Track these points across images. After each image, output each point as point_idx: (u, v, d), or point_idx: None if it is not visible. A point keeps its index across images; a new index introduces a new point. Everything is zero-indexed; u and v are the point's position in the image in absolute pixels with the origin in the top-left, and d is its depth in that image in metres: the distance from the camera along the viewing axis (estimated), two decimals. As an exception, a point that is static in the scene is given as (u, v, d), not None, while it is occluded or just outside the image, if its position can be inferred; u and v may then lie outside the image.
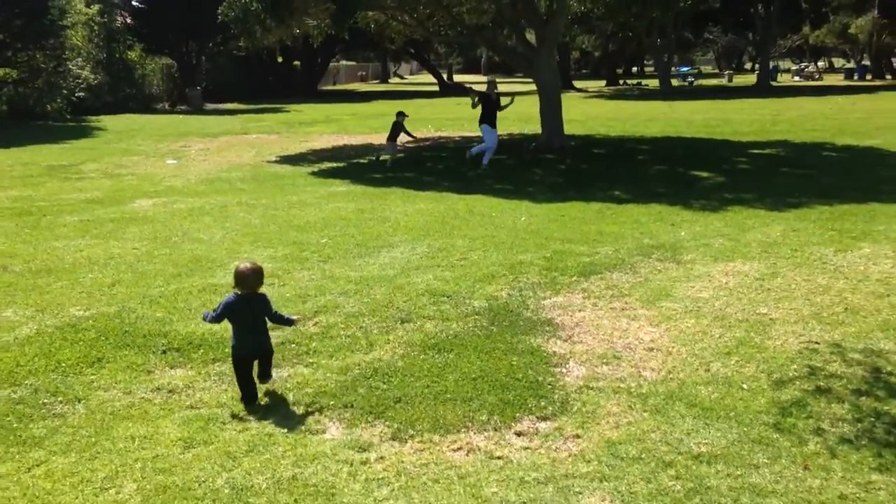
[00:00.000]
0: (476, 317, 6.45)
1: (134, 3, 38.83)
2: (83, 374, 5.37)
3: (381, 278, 7.62)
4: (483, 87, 16.61)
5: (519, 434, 4.44)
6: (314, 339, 6.02)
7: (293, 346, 5.89)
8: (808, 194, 11.48)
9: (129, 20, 37.56)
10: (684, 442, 4.27)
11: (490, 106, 15.77)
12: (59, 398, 4.99)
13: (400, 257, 8.41)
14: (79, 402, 4.96)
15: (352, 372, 5.36)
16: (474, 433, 4.46)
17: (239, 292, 4.91)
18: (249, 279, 4.88)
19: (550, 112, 18.55)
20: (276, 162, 17.03)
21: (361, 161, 17.12)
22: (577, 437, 4.38)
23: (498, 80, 19.30)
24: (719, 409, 4.64)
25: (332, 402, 4.88)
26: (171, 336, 6.10)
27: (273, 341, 5.87)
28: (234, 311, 4.86)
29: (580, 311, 6.57)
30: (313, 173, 15.18)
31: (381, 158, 16.48)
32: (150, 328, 6.28)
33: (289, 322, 5.18)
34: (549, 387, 5.03)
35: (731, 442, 4.26)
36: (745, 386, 4.96)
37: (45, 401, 4.96)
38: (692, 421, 4.50)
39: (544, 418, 4.62)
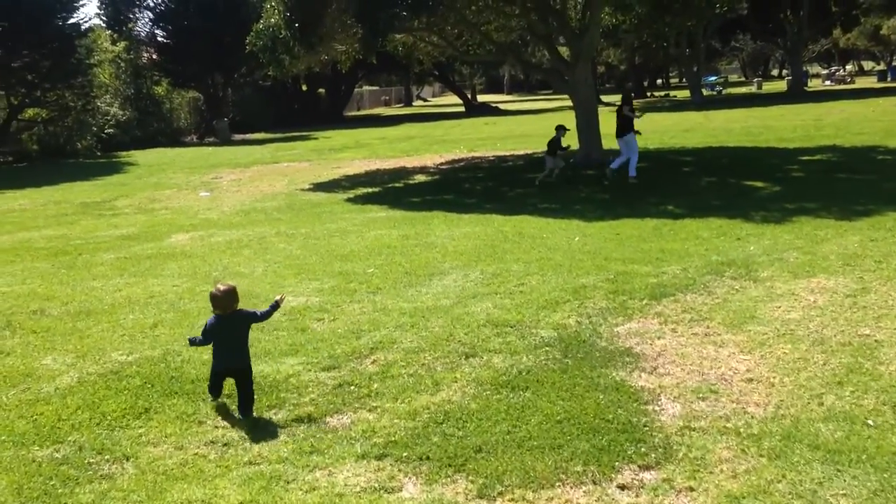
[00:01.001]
0: (546, 348, 5.94)
1: (159, 38, 39.08)
2: (130, 428, 4.93)
3: (437, 309, 7.14)
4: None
5: (622, 487, 3.91)
6: (374, 380, 5.55)
7: (353, 387, 5.42)
8: (876, 201, 10.85)
9: (154, 55, 37.75)
10: (819, 494, 3.71)
11: (624, 119, 14.96)
12: (107, 456, 4.55)
13: (453, 285, 7.94)
14: (127, 460, 4.51)
15: (421, 416, 4.87)
16: (571, 487, 3.94)
17: (219, 314, 5.10)
18: (222, 300, 5.07)
19: (588, 127, 18.08)
20: (310, 190, 16.69)
21: (396, 185, 16.74)
22: (691, 489, 3.84)
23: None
24: (848, 452, 4.07)
25: (404, 454, 4.39)
26: (220, 381, 5.66)
27: (331, 383, 5.45)
28: (215, 332, 5.11)
29: (659, 338, 6.03)
30: (349, 200, 14.80)
31: (554, 174, 15.22)
32: (198, 372, 5.84)
33: (275, 307, 5.33)
34: (645, 429, 4.50)
35: (873, 492, 3.70)
36: (870, 422, 4.40)
37: (91, 460, 4.52)
38: (820, 467, 3.94)
39: (647, 467, 4.09)
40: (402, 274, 8.50)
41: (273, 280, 8.56)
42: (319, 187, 17.05)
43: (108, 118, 32.91)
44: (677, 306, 6.77)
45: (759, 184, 13.55)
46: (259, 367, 5.89)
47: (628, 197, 13.12)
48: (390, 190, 16.05)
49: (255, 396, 5.28)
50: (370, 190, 16.13)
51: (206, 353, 6.20)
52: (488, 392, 5.18)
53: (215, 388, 5.28)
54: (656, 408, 4.79)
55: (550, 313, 6.80)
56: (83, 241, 11.74)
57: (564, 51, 19.95)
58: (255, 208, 14.30)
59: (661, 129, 25.93)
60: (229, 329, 5.09)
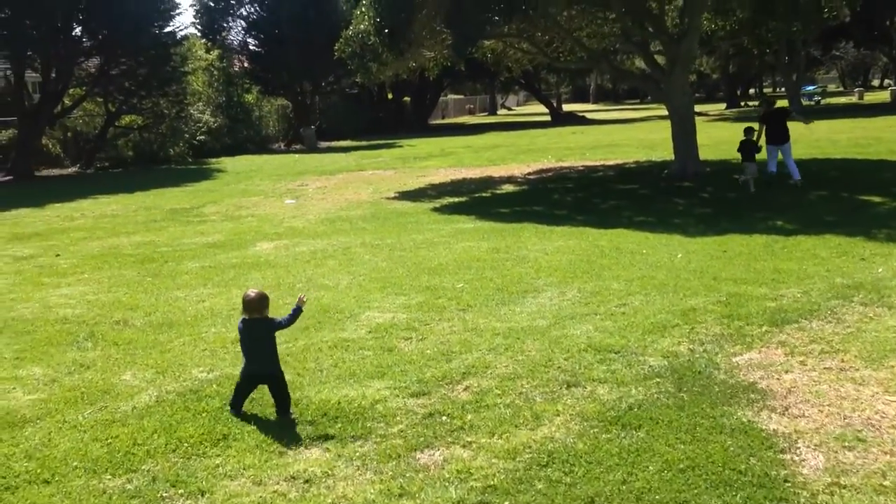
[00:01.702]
0: (657, 380, 5.34)
1: (251, 47, 39.77)
2: (207, 456, 4.58)
3: (533, 330, 6.62)
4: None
5: (766, 558, 3.32)
6: (468, 410, 5.06)
7: (444, 418, 4.95)
8: None
9: (246, 64, 38.43)
10: None
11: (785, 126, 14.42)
12: (181, 490, 4.20)
13: (549, 304, 7.40)
14: (202, 495, 4.15)
15: (522, 456, 4.36)
16: (703, 555, 3.37)
17: (246, 317, 5.19)
18: (251, 304, 5.14)
19: (684, 137, 17.25)
20: (395, 198, 16.39)
21: (484, 195, 16.27)
22: (852, 566, 3.22)
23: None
24: None
25: (506, 503, 3.89)
26: (302, 405, 5.28)
27: (420, 412, 5.01)
28: (242, 336, 5.22)
29: (786, 371, 5.36)
30: (435, 209, 14.41)
31: (743, 179, 14.41)
32: (279, 394, 5.48)
33: (296, 312, 5.31)
34: (786, 484, 3.87)
35: None
36: None
37: (164, 493, 4.17)
38: None
39: (793, 533, 3.48)
40: (494, 290, 8.01)
41: (358, 294, 8.19)
42: (405, 196, 16.74)
43: (200, 125, 33.59)
44: (803, 335, 6.06)
45: (875, 198, 12.54)
46: (344, 391, 5.50)
47: (732, 211, 12.31)
48: (477, 200, 15.60)
49: (340, 424, 4.88)
50: (456, 199, 15.72)
51: (287, 373, 5.87)
52: (596, 429, 4.63)
53: (239, 398, 5.20)
54: (795, 457, 4.16)
55: (658, 339, 6.20)
56: (170, 248, 11.67)
57: (660, 59, 19.15)
58: (340, 217, 14.06)
59: (761, 141, 24.68)
60: (252, 333, 5.16)
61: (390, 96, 49.20)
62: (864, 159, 18.22)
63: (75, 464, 4.52)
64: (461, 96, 77.59)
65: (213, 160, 30.85)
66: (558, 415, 4.90)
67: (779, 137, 14.44)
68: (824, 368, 5.37)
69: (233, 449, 4.67)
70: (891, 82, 68.20)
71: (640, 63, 41.25)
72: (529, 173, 19.93)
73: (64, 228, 14.39)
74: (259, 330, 5.17)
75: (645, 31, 17.95)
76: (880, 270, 7.86)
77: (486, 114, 74.14)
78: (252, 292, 5.22)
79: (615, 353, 5.95)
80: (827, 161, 18.31)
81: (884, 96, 54.55)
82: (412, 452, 4.49)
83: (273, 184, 20.82)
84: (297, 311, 5.31)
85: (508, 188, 17.19)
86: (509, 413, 4.98)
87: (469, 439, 4.63)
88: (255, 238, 12.18)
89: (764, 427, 4.52)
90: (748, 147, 14.39)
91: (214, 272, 9.73)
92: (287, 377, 5.79)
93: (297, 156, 31.62)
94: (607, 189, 15.93)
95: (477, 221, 12.64)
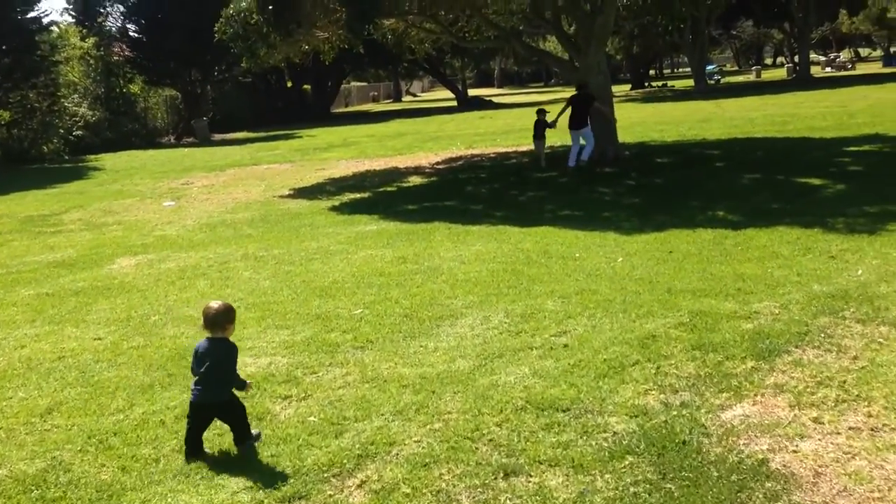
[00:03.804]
0: (629, 458, 3.83)
1: (132, 33, 36.67)
2: None
3: (452, 377, 5.03)
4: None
5: None
6: (364, 526, 3.44)
7: (328, 545, 3.30)
8: (982, 202, 8.80)
9: (127, 52, 35.35)
10: None
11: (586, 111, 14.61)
12: None
13: (470, 335, 5.82)
14: None
15: None
16: None
17: (212, 336, 4.27)
18: (214, 318, 4.24)
19: (602, 119, 15.93)
20: (289, 196, 14.53)
21: (389, 189, 14.59)
22: None
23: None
24: None
25: None
26: (117, 530, 3.55)
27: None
28: (197, 355, 4.26)
29: (801, 437, 3.93)
30: (334, 208, 12.65)
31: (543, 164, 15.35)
32: (88, 510, 3.73)
33: (241, 386, 4.38)
34: None
35: None
36: None
37: None
38: None
39: None
40: (401, 317, 6.37)
41: (228, 328, 6.41)
42: (301, 193, 14.89)
43: (77, 119, 30.64)
44: (802, 373, 4.66)
45: (815, 181, 11.49)
46: (184, 499, 3.78)
47: (663, 200, 11.03)
48: (382, 196, 13.89)
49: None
50: (359, 195, 13.98)
51: (106, 468, 4.13)
52: (555, 562, 3.07)
53: (193, 436, 4.23)
54: None
55: (617, 385, 4.70)
56: (5, 269, 9.56)
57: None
58: (224, 221, 12.14)
59: (674, 120, 23.87)
60: (209, 354, 4.20)
61: (290, 84, 46.74)
62: (786, 137, 17.37)
63: None
64: (364, 83, 75.34)
65: (93, 157, 28.01)
66: (497, 532, 3.32)
67: (577, 122, 14.68)
68: (850, 429, 3.96)
69: None
70: (784, 60, 69.83)
71: (551, 43, 40.19)
72: (438, 163, 18.33)
73: None
74: (222, 352, 4.23)
75: (556, 6, 16.56)
76: (860, 272, 6.60)
77: (390, 101, 72.14)
78: (214, 304, 4.33)
79: (563, 411, 4.42)
80: (749, 140, 17.40)
81: (780, 73, 55.41)
82: None
83: (154, 183, 18.59)
84: (242, 387, 4.39)
85: (416, 180, 15.56)
86: (425, 531, 3.37)
87: (364, 592, 3.00)
88: (115, 252, 10.17)
89: (802, 547, 3.06)
90: (539, 126, 15.40)
91: (51, 302, 7.76)
92: (104, 476, 4.06)
93: (186, 150, 29.15)
94: (524, 178, 14.49)
95: (381, 222, 10.96)
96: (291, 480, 3.89)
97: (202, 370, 4.17)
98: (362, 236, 9.99)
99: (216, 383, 4.19)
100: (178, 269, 8.83)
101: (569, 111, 14.87)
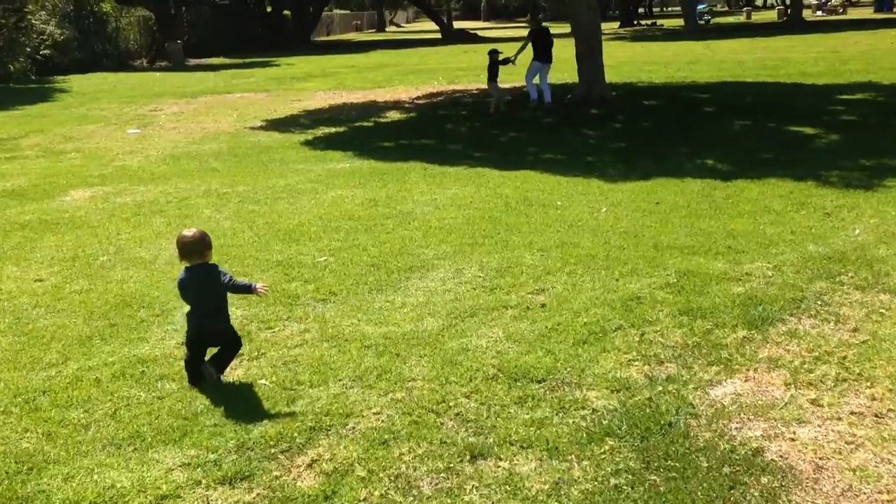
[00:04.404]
0: (609, 442, 3.45)
1: (103, -52, 34.98)
2: None
3: (419, 338, 4.62)
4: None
5: None
6: (312, 513, 3.06)
7: (268, 538, 2.92)
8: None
9: (98, -33, 33.77)
10: None
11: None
12: None
13: (441, 290, 5.40)
14: None
15: None
16: None
17: (189, 265, 4.11)
18: (189, 246, 4.08)
19: (590, 57, 15.29)
20: (260, 128, 13.88)
21: (365, 124, 13.97)
22: None
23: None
24: None
25: None
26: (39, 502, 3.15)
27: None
28: (189, 288, 4.13)
29: (799, 422, 3.56)
30: (307, 142, 12.06)
31: (496, 109, 14.37)
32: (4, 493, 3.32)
33: (246, 288, 4.18)
34: None
35: None
36: None
37: None
38: None
39: None
40: (368, 267, 5.93)
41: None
42: (273, 125, 14.23)
43: (44, 38, 29.33)
44: (798, 346, 4.29)
45: (808, 130, 11.04)
46: (110, 475, 3.39)
47: (650, 145, 10.56)
48: (357, 131, 13.28)
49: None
50: (333, 130, 13.36)
51: (28, 437, 3.71)
52: (523, 569, 2.70)
53: (194, 364, 4.15)
54: None
55: (598, 354, 4.31)
56: (-50, 198, 8.98)
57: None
58: (189, 153, 11.52)
59: (663, 61, 23.21)
60: (203, 282, 4.09)
61: (269, 9, 45.18)
62: (777, 82, 16.86)
63: None
64: (347, 11, 73.27)
65: (60, 78, 26.90)
66: (459, 528, 2.94)
67: (546, 56, 14.52)
68: (851, 414, 3.60)
69: None
70: (774, 1, 68.56)
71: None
72: (418, 97, 17.65)
73: None
74: (210, 275, 4.08)
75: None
76: (857, 232, 6.21)
77: (374, 31, 70.30)
78: (189, 232, 4.16)
79: (539, 382, 4.03)
80: (740, 84, 16.86)
81: (771, 15, 54.38)
82: None
83: (121, 108, 17.79)
84: (247, 289, 4.17)
85: (394, 115, 14.92)
86: (378, 523, 2.99)
87: None
88: (69, 183, 9.58)
89: (802, 559, 2.71)
90: (490, 69, 14.49)
91: (-6, 237, 7.23)
92: (25, 444, 3.65)
93: (159, 74, 28.07)
94: (506, 117, 13.91)
95: (354, 160, 10.41)
96: (234, 457, 3.49)
97: (201, 296, 4.10)
98: (334, 174, 9.46)
99: (225, 308, 4.19)
100: (135, 205, 8.29)
101: (530, 48, 14.74)
